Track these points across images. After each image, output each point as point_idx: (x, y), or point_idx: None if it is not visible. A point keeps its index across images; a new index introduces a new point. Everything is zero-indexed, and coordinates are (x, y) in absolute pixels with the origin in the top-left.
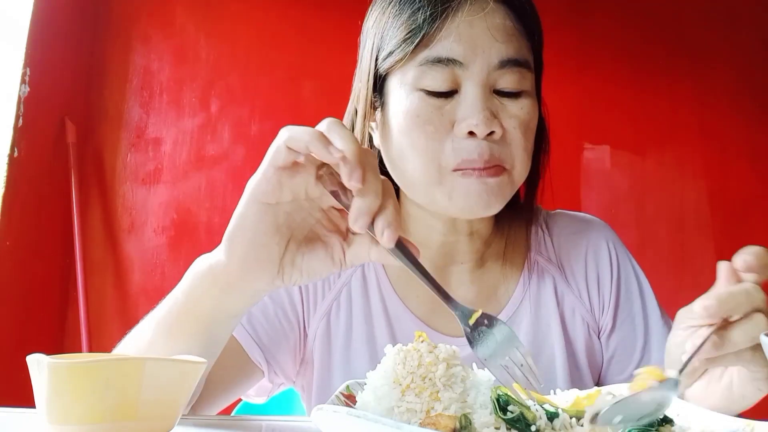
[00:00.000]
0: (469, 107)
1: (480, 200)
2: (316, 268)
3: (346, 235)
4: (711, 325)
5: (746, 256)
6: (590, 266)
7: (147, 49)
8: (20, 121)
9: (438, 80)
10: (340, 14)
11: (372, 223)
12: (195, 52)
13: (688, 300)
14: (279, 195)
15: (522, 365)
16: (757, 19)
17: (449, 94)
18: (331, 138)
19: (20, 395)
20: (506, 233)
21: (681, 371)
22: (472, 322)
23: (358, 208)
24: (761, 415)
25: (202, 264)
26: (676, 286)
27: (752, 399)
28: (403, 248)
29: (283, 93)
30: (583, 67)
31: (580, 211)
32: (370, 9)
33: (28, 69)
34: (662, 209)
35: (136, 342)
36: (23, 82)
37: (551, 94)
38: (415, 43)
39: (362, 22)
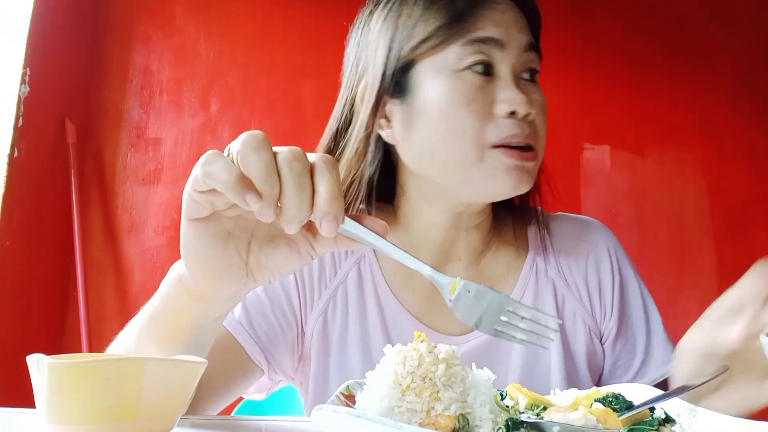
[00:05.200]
0: (511, 89)
1: (519, 180)
2: (283, 264)
3: (310, 226)
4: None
5: None
6: (590, 271)
7: (147, 49)
8: (20, 121)
9: (481, 60)
10: (340, 14)
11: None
12: (195, 52)
13: (688, 300)
14: (211, 208)
15: (523, 318)
16: (757, 19)
17: (489, 75)
18: (245, 166)
19: (20, 395)
20: (503, 232)
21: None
22: (452, 292)
23: (285, 220)
24: (761, 415)
25: (174, 273)
26: (676, 286)
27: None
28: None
29: (283, 93)
30: (583, 67)
31: (580, 212)
32: (360, 24)
33: (28, 69)
34: (662, 209)
35: (125, 348)
36: (23, 82)
37: (551, 94)
38: (457, 28)
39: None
